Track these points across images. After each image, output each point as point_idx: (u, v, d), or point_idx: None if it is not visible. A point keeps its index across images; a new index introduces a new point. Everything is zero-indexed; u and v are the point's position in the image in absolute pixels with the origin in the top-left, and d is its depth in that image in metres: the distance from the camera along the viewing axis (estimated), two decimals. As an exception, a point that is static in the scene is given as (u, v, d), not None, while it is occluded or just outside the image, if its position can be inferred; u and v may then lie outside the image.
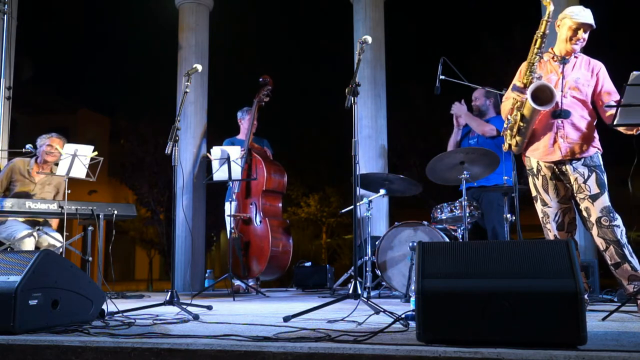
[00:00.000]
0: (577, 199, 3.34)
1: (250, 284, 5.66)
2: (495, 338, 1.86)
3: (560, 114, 3.28)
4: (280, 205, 5.94)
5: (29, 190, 4.95)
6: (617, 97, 3.33)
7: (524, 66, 3.48)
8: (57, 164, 4.79)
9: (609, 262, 3.27)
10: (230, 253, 5.36)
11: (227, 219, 5.59)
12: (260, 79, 6.07)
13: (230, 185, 5.68)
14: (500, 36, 13.33)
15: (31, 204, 4.62)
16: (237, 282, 5.52)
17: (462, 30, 14.93)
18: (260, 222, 5.59)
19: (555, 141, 3.34)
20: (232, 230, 5.49)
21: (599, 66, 3.44)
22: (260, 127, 6.07)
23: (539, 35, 3.31)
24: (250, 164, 5.75)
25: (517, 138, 3.43)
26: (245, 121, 6.10)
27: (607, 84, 3.41)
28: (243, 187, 5.74)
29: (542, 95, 3.19)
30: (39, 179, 5.02)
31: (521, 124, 3.37)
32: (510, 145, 3.51)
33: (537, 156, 3.43)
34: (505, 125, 3.54)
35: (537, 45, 3.31)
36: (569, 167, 3.34)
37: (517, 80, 3.45)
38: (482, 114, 5.24)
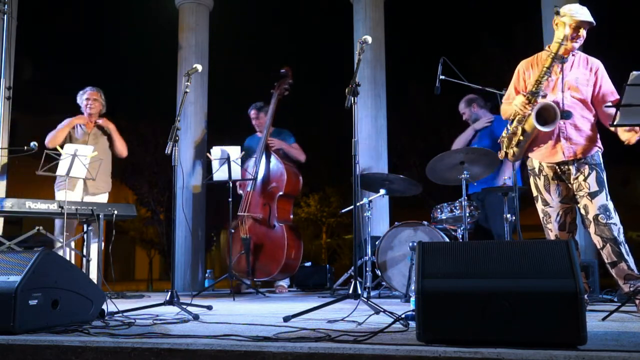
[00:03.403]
0: (577, 196, 3.34)
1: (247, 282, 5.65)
2: (495, 338, 1.86)
3: (562, 114, 3.26)
4: (291, 208, 5.85)
5: (85, 141, 5.29)
6: (616, 96, 3.34)
7: (521, 67, 3.48)
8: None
9: (606, 261, 3.28)
10: (230, 251, 5.35)
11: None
12: (282, 70, 5.89)
13: (230, 185, 5.63)
14: (500, 36, 13.34)
15: (31, 204, 4.62)
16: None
17: (462, 30, 14.92)
18: (276, 226, 5.50)
19: (557, 142, 3.34)
20: (234, 230, 5.48)
21: (597, 64, 3.43)
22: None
23: (551, 57, 3.29)
24: (267, 162, 5.64)
25: (515, 149, 3.44)
26: (262, 116, 5.94)
27: (605, 82, 3.40)
28: (257, 187, 5.63)
29: (546, 113, 3.19)
30: (91, 131, 5.42)
31: (521, 138, 3.37)
32: (507, 154, 3.51)
33: (540, 157, 3.42)
34: (503, 134, 3.52)
35: (546, 65, 3.29)
36: (571, 167, 3.34)
37: (514, 84, 3.49)
38: (476, 121, 5.39)
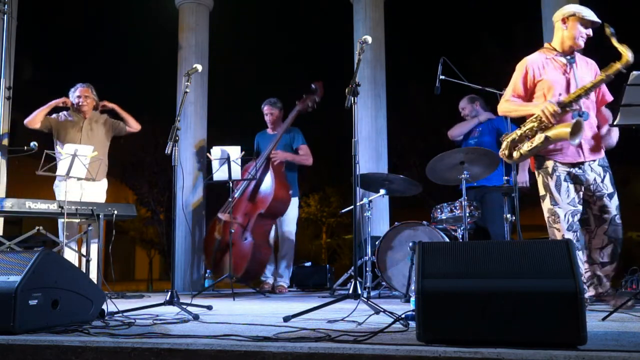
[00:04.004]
0: (595, 196, 3.37)
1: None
2: (495, 338, 1.86)
3: (582, 115, 3.27)
4: (273, 225, 5.76)
5: (80, 128, 5.39)
6: (610, 96, 3.45)
7: (529, 65, 3.45)
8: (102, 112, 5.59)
9: (599, 260, 3.37)
10: (230, 251, 5.37)
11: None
12: (312, 85, 5.65)
13: (230, 185, 5.62)
14: (500, 36, 13.35)
15: (31, 204, 4.62)
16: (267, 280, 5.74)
17: (462, 30, 14.93)
18: (247, 239, 5.46)
19: (579, 144, 3.33)
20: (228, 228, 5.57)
21: (594, 65, 3.51)
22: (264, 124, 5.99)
23: (602, 78, 3.26)
24: (262, 175, 5.54)
25: (524, 151, 3.37)
26: (275, 113, 5.85)
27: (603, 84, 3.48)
28: (246, 194, 5.56)
29: (575, 127, 3.19)
30: (85, 121, 5.45)
31: (539, 144, 3.30)
32: (511, 155, 3.45)
33: (558, 157, 3.38)
34: (514, 135, 3.43)
35: (595, 82, 3.26)
36: (587, 167, 3.37)
37: (521, 81, 3.46)
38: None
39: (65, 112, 5.53)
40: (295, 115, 5.70)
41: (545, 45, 3.54)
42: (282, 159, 5.65)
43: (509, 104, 3.52)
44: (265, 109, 5.94)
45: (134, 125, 5.65)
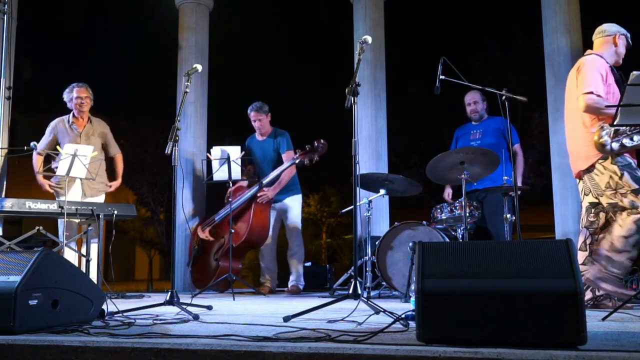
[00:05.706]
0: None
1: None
2: (495, 338, 1.86)
3: None
4: (242, 258, 5.91)
5: (77, 142, 5.19)
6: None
7: (603, 69, 3.50)
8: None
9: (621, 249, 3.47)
10: (230, 253, 5.38)
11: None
12: (316, 143, 5.47)
13: (230, 185, 5.61)
14: (500, 36, 13.36)
15: (31, 204, 4.62)
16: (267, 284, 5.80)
17: (462, 30, 14.94)
18: (218, 260, 5.54)
19: None
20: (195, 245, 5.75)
21: None
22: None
23: None
24: (246, 208, 5.58)
25: (627, 147, 3.40)
26: (263, 117, 5.74)
27: None
28: (226, 221, 5.46)
29: None
30: (82, 130, 5.38)
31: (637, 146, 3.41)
32: (611, 148, 3.44)
33: (633, 158, 3.52)
34: (618, 129, 3.40)
35: None
36: None
37: (600, 82, 3.48)
38: (481, 118, 5.41)
39: (67, 122, 5.41)
40: (292, 164, 5.58)
41: (591, 52, 3.67)
42: (271, 196, 5.62)
43: (602, 100, 3.47)
44: (252, 115, 5.75)
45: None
